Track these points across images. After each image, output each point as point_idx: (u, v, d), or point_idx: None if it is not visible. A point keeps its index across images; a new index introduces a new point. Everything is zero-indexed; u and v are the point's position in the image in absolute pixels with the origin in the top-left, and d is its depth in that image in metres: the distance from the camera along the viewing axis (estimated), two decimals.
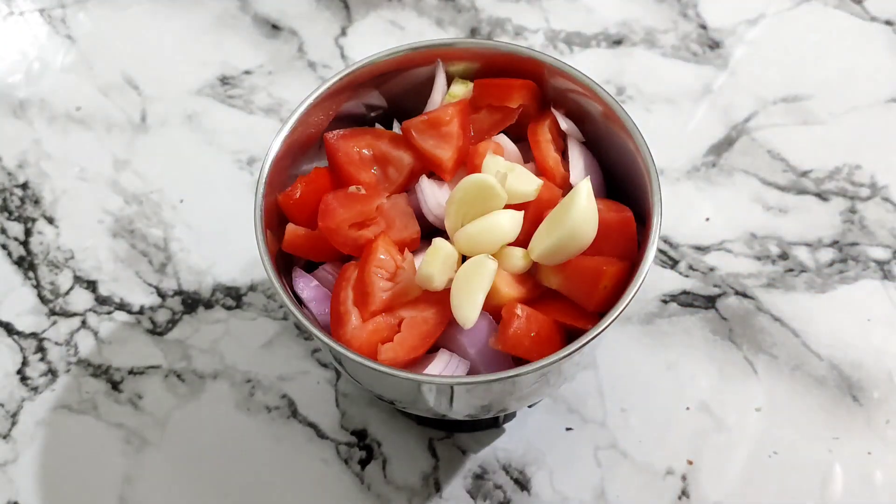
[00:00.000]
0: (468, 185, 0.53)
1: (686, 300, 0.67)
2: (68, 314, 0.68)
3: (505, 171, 0.53)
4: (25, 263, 0.70)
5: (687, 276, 0.68)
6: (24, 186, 0.73)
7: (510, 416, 0.63)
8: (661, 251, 0.69)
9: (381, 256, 0.53)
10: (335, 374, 0.65)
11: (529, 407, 0.63)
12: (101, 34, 0.80)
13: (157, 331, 0.67)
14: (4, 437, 0.64)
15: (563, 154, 0.58)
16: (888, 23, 0.79)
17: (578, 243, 0.51)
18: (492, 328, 0.53)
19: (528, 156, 0.58)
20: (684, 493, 0.61)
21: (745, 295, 0.67)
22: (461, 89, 0.59)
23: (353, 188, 0.56)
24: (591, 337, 0.50)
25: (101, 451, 0.63)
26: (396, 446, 0.63)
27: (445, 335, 0.53)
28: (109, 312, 0.68)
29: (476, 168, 0.55)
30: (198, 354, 0.66)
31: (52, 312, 0.68)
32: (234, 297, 0.68)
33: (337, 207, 0.55)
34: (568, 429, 0.63)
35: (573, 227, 0.51)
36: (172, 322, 0.67)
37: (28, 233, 0.71)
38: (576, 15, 0.80)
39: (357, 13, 0.80)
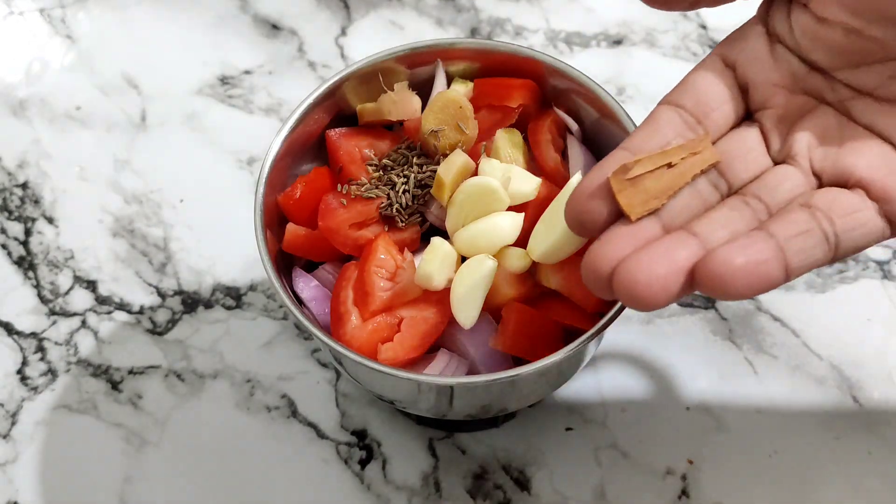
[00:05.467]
0: (470, 186, 0.53)
1: (686, 300, 0.67)
2: (68, 314, 0.68)
3: (509, 175, 0.53)
4: (25, 263, 0.70)
5: None
6: (24, 186, 0.73)
7: (510, 416, 0.63)
8: None
9: (381, 256, 0.53)
10: (335, 374, 0.65)
11: (529, 407, 0.63)
12: (101, 34, 0.80)
13: (157, 331, 0.67)
14: (4, 437, 0.64)
15: (563, 154, 0.58)
16: None
17: (577, 238, 0.51)
18: (492, 328, 0.53)
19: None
20: (684, 493, 0.61)
21: None
22: (461, 89, 0.59)
23: None
24: (591, 337, 0.50)
25: (101, 451, 0.63)
26: (396, 446, 0.63)
27: (445, 335, 0.53)
28: (109, 312, 0.68)
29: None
30: (198, 354, 0.66)
31: (52, 312, 0.68)
32: (234, 297, 0.68)
33: (337, 207, 0.55)
34: (568, 429, 0.63)
35: None
36: (172, 322, 0.67)
37: (28, 233, 0.71)
38: (576, 15, 0.80)
39: (357, 13, 0.80)
